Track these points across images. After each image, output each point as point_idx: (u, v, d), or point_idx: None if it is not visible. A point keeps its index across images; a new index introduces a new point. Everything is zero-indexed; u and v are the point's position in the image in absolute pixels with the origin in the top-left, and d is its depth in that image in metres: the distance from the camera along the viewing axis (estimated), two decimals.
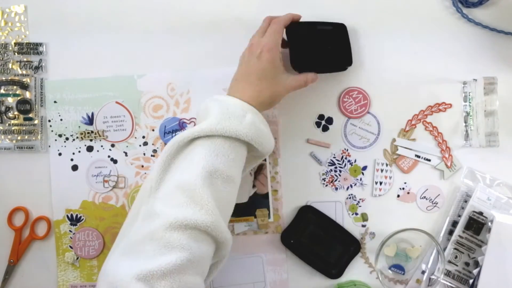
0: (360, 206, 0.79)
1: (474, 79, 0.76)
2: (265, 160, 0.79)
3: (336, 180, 0.79)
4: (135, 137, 0.81)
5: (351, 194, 0.79)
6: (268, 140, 0.66)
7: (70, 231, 0.81)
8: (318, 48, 0.75)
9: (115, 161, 0.81)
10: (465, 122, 0.78)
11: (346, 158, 0.79)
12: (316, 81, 0.73)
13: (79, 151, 0.81)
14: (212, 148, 0.60)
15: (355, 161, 0.79)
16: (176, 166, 0.61)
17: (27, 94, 0.81)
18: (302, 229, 0.78)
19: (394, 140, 0.79)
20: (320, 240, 0.78)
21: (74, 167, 0.81)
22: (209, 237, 0.58)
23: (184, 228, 0.55)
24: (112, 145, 0.81)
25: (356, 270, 0.79)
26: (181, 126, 0.80)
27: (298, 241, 0.78)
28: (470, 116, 0.77)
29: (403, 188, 0.79)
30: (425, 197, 0.79)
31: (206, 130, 0.60)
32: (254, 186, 0.79)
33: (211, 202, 0.57)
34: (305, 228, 0.78)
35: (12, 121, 0.81)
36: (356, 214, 0.79)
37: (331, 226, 0.78)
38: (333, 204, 0.79)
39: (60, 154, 0.81)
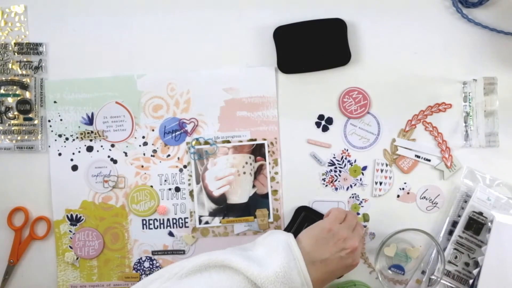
0: (362, 207, 0.79)
1: (474, 79, 0.76)
2: (265, 160, 0.79)
3: (336, 180, 0.79)
4: (135, 137, 0.81)
5: (354, 194, 0.79)
6: None
7: (70, 231, 0.81)
8: (310, 47, 0.77)
9: (115, 161, 0.81)
10: (465, 122, 0.78)
11: (346, 158, 0.79)
12: None
13: (79, 151, 0.81)
14: None
15: (355, 161, 0.79)
16: (203, 279, 0.59)
17: (27, 94, 0.81)
18: (299, 230, 0.78)
19: (394, 140, 0.79)
20: None
21: (74, 167, 0.81)
22: None
23: None
24: (112, 145, 0.81)
25: (355, 270, 0.79)
26: (181, 126, 0.80)
27: None
28: (470, 116, 0.77)
29: (403, 188, 0.79)
30: (425, 197, 0.79)
31: (257, 279, 0.57)
32: (254, 186, 0.79)
33: None
34: (301, 229, 0.78)
35: (12, 121, 0.81)
36: (358, 214, 0.79)
37: None
38: (335, 204, 0.79)
39: (60, 154, 0.81)
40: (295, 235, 0.78)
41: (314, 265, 0.63)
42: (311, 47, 0.78)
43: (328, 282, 0.65)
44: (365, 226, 0.79)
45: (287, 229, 0.79)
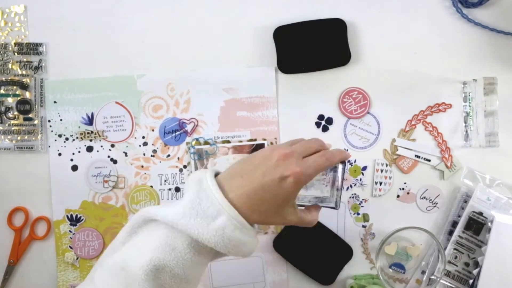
0: (362, 207, 0.79)
1: (474, 79, 0.76)
2: None
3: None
4: (135, 137, 0.81)
5: (354, 194, 0.79)
6: (242, 248, 0.54)
7: (70, 231, 0.81)
8: (310, 47, 0.77)
9: (115, 161, 0.81)
10: (465, 122, 0.78)
11: None
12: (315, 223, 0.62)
13: (79, 151, 0.81)
14: (168, 241, 0.52)
15: (355, 161, 0.79)
16: (132, 241, 0.55)
17: (27, 94, 0.81)
18: (294, 235, 0.78)
19: (394, 140, 0.79)
20: (312, 246, 0.78)
21: (74, 167, 0.81)
22: None
23: None
24: (112, 145, 0.81)
25: (357, 266, 0.79)
26: (181, 126, 0.80)
27: (290, 247, 0.78)
28: (470, 116, 0.77)
29: (403, 189, 0.79)
30: (425, 197, 0.79)
31: (168, 219, 0.52)
32: None
33: None
34: (297, 234, 0.78)
35: (12, 121, 0.81)
36: (358, 214, 0.79)
37: (324, 232, 0.78)
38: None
39: (60, 154, 0.81)
40: (288, 241, 0.78)
41: (239, 182, 0.54)
42: (311, 47, 0.78)
43: (261, 217, 0.55)
44: (365, 226, 0.79)
45: (281, 234, 0.79)
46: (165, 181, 0.81)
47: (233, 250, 0.53)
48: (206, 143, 0.80)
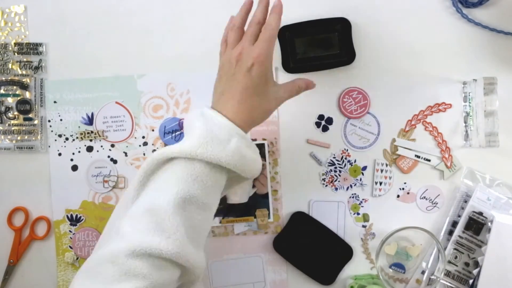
0: (362, 207, 0.79)
1: (474, 79, 0.76)
2: (265, 160, 0.79)
3: (336, 180, 0.79)
4: (135, 137, 0.81)
5: (354, 194, 0.79)
6: (253, 166, 0.60)
7: (70, 231, 0.81)
8: (314, 47, 0.77)
9: (115, 161, 0.81)
10: (465, 122, 0.78)
11: (346, 158, 0.79)
12: (311, 86, 0.69)
13: (79, 151, 0.81)
14: (190, 172, 0.56)
15: (355, 161, 0.79)
16: (151, 185, 0.57)
17: (27, 94, 0.81)
18: (294, 235, 0.78)
19: (394, 140, 0.79)
20: (312, 246, 0.78)
21: (74, 167, 0.81)
22: (173, 264, 0.54)
23: (148, 256, 0.52)
24: (112, 145, 0.81)
25: (357, 266, 0.79)
26: (181, 126, 0.80)
27: (290, 247, 0.78)
28: (470, 116, 0.77)
29: (403, 188, 0.79)
30: (425, 197, 0.79)
31: (186, 151, 0.56)
32: (254, 186, 0.79)
33: (181, 230, 0.54)
34: (297, 235, 0.78)
35: (12, 121, 0.81)
36: (358, 214, 0.79)
37: (324, 233, 0.78)
38: (335, 204, 0.79)
39: (60, 154, 0.81)
40: (288, 242, 0.78)
41: (225, 99, 0.60)
42: (315, 46, 0.78)
43: (257, 112, 0.61)
44: (365, 226, 0.79)
45: (282, 234, 0.79)
46: None
47: (248, 168, 0.59)
48: None
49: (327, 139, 0.80)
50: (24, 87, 0.81)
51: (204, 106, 0.61)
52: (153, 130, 0.81)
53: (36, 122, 0.81)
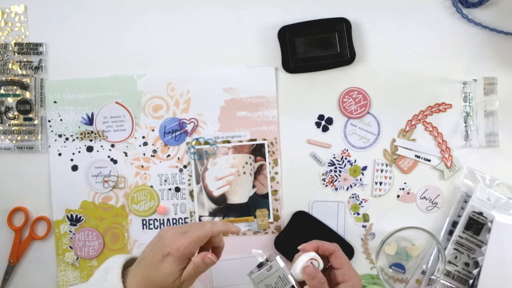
0: (362, 207, 0.79)
1: (474, 79, 0.76)
2: (265, 160, 0.79)
3: (336, 180, 0.79)
4: (135, 137, 0.81)
5: (354, 194, 0.79)
6: None
7: (70, 231, 0.81)
8: (314, 47, 0.77)
9: (115, 161, 0.81)
10: (465, 122, 0.78)
11: (346, 158, 0.79)
12: (212, 262, 0.63)
13: (79, 151, 0.81)
14: None
15: (355, 161, 0.79)
16: None
17: (27, 94, 0.81)
18: (296, 235, 0.78)
19: (394, 140, 0.79)
20: None
21: (74, 167, 0.81)
22: None
23: None
24: (112, 145, 0.81)
25: (356, 266, 0.79)
26: (181, 126, 0.80)
27: (291, 246, 0.78)
28: (470, 116, 0.77)
29: (403, 189, 0.79)
30: (425, 197, 0.79)
31: None
32: (254, 186, 0.79)
33: None
34: (298, 234, 0.78)
35: (12, 121, 0.81)
36: (358, 214, 0.79)
37: (325, 232, 0.78)
38: (335, 204, 0.79)
39: (60, 154, 0.81)
40: (290, 241, 0.78)
41: (137, 269, 0.61)
42: (315, 46, 0.78)
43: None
44: (365, 226, 0.79)
45: (283, 234, 0.79)
46: (165, 181, 0.81)
47: None
48: (206, 143, 0.80)
49: (327, 139, 0.80)
50: (24, 87, 0.81)
51: (126, 257, 0.63)
52: (153, 130, 0.81)
53: (36, 122, 0.81)
